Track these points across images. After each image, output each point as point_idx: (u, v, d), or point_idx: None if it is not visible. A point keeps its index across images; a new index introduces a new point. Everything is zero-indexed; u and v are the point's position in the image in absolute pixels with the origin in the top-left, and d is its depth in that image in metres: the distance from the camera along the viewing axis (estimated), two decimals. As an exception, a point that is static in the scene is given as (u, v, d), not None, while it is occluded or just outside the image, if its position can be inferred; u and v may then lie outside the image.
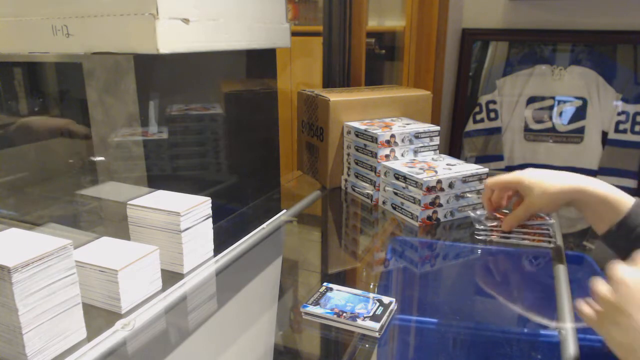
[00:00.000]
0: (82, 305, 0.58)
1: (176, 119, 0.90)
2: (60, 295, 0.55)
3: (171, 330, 0.68)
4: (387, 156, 1.11)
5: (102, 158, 0.81)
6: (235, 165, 1.07)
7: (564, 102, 1.86)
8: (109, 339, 0.60)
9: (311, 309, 0.70)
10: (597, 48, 1.82)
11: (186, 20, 0.76)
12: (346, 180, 1.22)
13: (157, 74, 0.85)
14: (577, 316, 0.55)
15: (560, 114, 1.87)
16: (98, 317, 0.64)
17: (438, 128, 1.16)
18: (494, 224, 0.95)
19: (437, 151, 1.18)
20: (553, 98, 1.88)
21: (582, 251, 1.07)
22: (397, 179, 1.04)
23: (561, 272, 0.84)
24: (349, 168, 1.20)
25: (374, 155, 1.10)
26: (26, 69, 0.98)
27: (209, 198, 0.78)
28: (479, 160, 1.98)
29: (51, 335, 0.55)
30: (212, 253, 0.82)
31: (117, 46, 0.74)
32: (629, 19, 1.73)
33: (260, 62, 1.13)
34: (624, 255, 0.65)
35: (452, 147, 2.03)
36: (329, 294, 0.75)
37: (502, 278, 0.91)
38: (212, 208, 0.79)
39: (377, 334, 0.66)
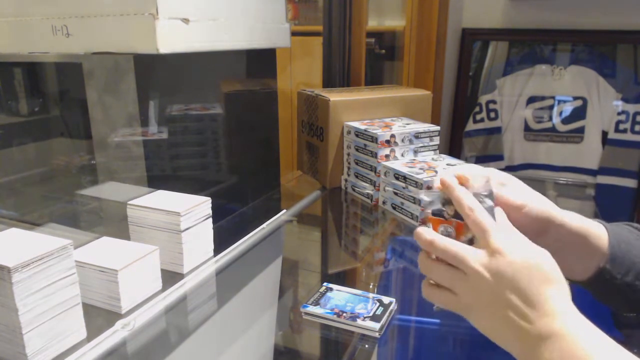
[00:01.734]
0: (82, 305, 0.58)
1: (176, 119, 0.90)
2: (60, 295, 0.55)
3: (171, 330, 0.68)
4: (387, 156, 1.11)
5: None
6: (235, 165, 1.07)
7: (564, 101, 1.86)
8: (109, 339, 0.60)
9: (311, 309, 0.70)
10: (597, 48, 1.81)
11: (186, 20, 0.76)
12: (346, 180, 1.22)
13: (157, 74, 0.85)
14: None
15: (560, 113, 1.87)
16: (98, 317, 0.64)
17: (438, 128, 1.16)
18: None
19: (437, 151, 1.18)
20: (553, 98, 1.88)
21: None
22: (397, 179, 1.04)
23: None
24: (349, 168, 1.20)
25: (374, 155, 1.10)
26: (26, 69, 0.98)
27: (209, 198, 0.78)
28: (479, 160, 1.98)
29: (51, 335, 0.55)
30: (212, 253, 0.81)
31: (117, 46, 0.73)
32: (629, 19, 1.73)
33: (260, 62, 1.13)
34: (611, 299, 0.56)
35: (452, 147, 2.03)
36: (329, 294, 0.75)
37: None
38: (212, 208, 0.78)
39: (377, 334, 0.66)
